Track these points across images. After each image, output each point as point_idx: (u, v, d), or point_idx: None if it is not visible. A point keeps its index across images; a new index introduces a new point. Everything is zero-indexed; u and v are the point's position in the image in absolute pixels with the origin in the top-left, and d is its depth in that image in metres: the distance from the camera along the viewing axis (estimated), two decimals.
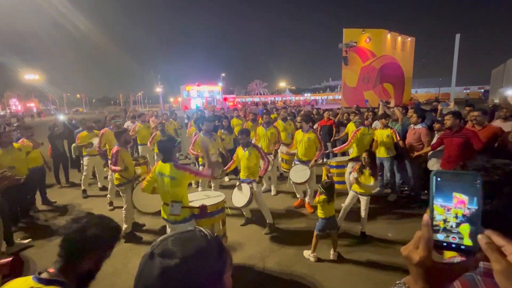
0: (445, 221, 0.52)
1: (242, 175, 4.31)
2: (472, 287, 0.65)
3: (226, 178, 6.40)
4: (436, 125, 4.77)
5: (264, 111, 8.93)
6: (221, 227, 3.47)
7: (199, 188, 5.10)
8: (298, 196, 5.15)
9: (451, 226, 0.51)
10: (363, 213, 3.84)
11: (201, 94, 52.16)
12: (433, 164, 4.57)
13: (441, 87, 57.18)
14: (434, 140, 4.55)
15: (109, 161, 5.16)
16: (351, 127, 6.22)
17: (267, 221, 4.22)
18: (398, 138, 4.95)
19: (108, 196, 5.35)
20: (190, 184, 6.31)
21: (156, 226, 4.50)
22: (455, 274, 0.52)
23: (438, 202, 0.53)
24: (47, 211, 5.30)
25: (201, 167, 4.95)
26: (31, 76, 52.89)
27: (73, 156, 7.39)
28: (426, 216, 0.53)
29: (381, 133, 5.14)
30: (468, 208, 0.50)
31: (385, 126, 5.17)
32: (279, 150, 6.15)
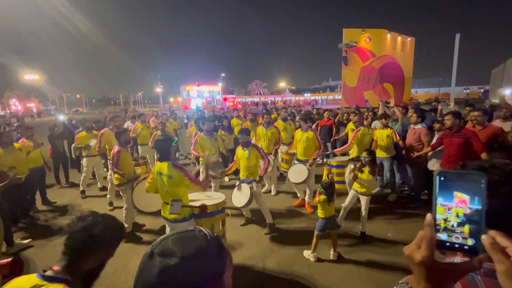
0: (445, 220, 0.52)
1: (241, 175, 4.31)
2: (472, 287, 0.65)
3: (226, 178, 6.40)
4: (436, 125, 4.77)
5: (264, 111, 8.94)
6: (220, 228, 3.47)
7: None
8: (298, 195, 5.15)
9: (452, 226, 0.51)
10: (363, 213, 3.85)
11: (201, 94, 52.17)
12: (433, 164, 4.57)
13: (441, 87, 57.21)
14: (434, 140, 4.55)
15: (109, 161, 5.17)
16: (351, 127, 6.23)
17: (267, 221, 4.22)
18: (398, 138, 4.95)
19: (108, 196, 5.35)
20: None
21: (156, 226, 4.50)
22: (458, 274, 0.51)
23: (439, 202, 0.53)
24: (47, 211, 5.30)
25: (201, 167, 4.95)
26: (31, 76, 52.87)
27: (73, 156, 7.39)
28: (429, 216, 0.53)
29: (381, 133, 5.14)
30: (470, 208, 0.50)
31: (385, 126, 5.17)
32: (279, 150, 6.15)
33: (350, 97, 30.31)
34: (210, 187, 5.09)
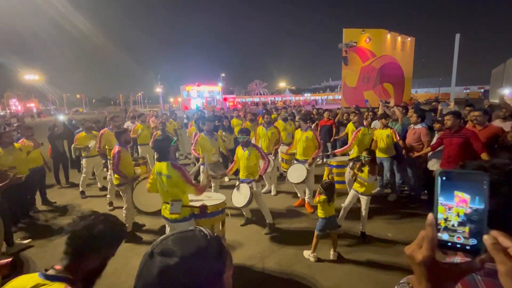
0: (446, 220, 0.52)
1: (241, 175, 4.31)
2: (472, 287, 0.65)
3: (226, 178, 6.39)
4: (436, 125, 4.77)
5: (264, 111, 8.94)
6: (220, 228, 3.47)
7: None
8: (299, 195, 5.15)
9: (453, 225, 0.51)
10: (363, 213, 3.84)
11: (201, 94, 52.17)
12: (433, 164, 4.57)
13: (441, 87, 57.21)
14: (434, 140, 4.55)
15: (109, 161, 5.17)
16: (351, 127, 6.23)
17: (267, 221, 4.22)
18: (398, 138, 4.95)
19: (107, 196, 5.35)
20: None
21: (156, 226, 4.50)
22: (459, 274, 0.51)
23: (440, 201, 0.53)
24: (47, 211, 5.30)
25: (202, 167, 4.95)
26: (31, 77, 52.86)
27: (73, 157, 7.39)
28: (430, 216, 0.52)
29: (381, 133, 5.14)
30: (470, 207, 0.50)
31: (385, 126, 5.17)
32: (279, 150, 6.15)
33: (350, 97, 30.29)
34: (210, 187, 5.09)
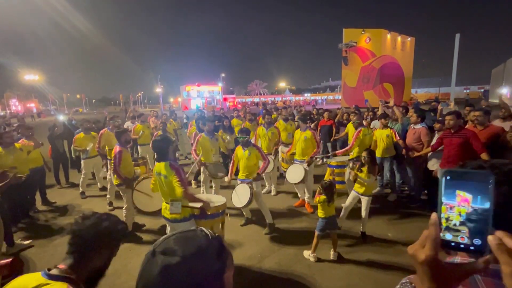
0: (447, 219, 0.51)
1: (241, 175, 4.31)
2: (472, 286, 0.65)
3: (226, 179, 6.38)
4: (437, 125, 4.77)
5: (264, 111, 8.93)
6: (220, 230, 3.47)
7: (201, 189, 5.11)
8: (299, 195, 5.15)
9: (454, 225, 0.51)
10: (363, 214, 3.84)
11: (201, 94, 52.17)
12: (433, 164, 4.57)
13: (441, 87, 57.24)
14: (434, 141, 4.55)
15: (109, 162, 5.17)
16: (350, 128, 6.23)
17: (267, 221, 4.22)
18: (398, 138, 4.95)
19: (107, 196, 5.36)
20: (189, 184, 6.32)
21: (156, 226, 4.49)
22: (462, 275, 0.51)
23: (443, 201, 0.52)
24: (47, 211, 5.30)
25: (202, 168, 4.96)
26: (31, 77, 52.87)
27: (73, 157, 7.40)
28: (434, 215, 0.52)
29: (381, 133, 5.14)
30: (472, 207, 0.49)
31: (385, 126, 5.17)
32: (279, 150, 6.16)
33: (350, 97, 30.28)
34: (211, 187, 5.10)
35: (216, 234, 0.69)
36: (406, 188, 5.52)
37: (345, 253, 3.53)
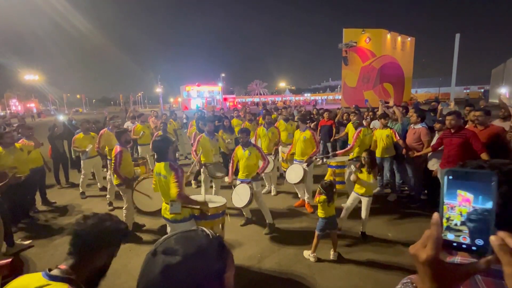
0: (448, 219, 0.51)
1: (241, 175, 4.31)
2: (472, 286, 0.65)
3: (227, 179, 6.39)
4: (437, 125, 4.77)
5: (264, 111, 8.93)
6: (220, 230, 3.47)
7: (202, 189, 5.10)
8: (299, 196, 5.15)
9: (455, 224, 0.50)
10: (363, 214, 3.84)
11: (201, 95, 52.17)
12: (433, 164, 4.57)
13: (441, 87, 57.21)
14: (434, 141, 4.55)
15: (110, 162, 5.17)
16: (350, 128, 6.24)
17: (267, 221, 4.22)
18: (398, 138, 4.95)
19: (107, 196, 5.36)
20: (190, 184, 6.32)
21: (156, 226, 4.49)
22: (464, 275, 0.50)
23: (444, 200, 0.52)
24: (47, 211, 5.30)
25: (202, 168, 4.97)
26: (31, 77, 52.89)
27: (73, 157, 7.40)
28: (436, 215, 0.52)
29: (381, 133, 5.14)
30: (473, 207, 0.49)
31: (385, 126, 5.17)
32: (280, 150, 6.16)
33: (350, 97, 30.28)
34: (211, 187, 5.10)
35: (217, 234, 0.69)
36: (406, 188, 5.52)
37: (345, 253, 3.53)
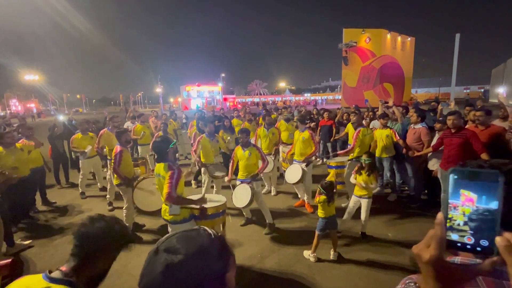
0: (450, 219, 0.51)
1: (240, 175, 4.31)
2: (473, 285, 0.65)
3: (226, 178, 6.38)
4: (437, 125, 4.76)
5: (264, 111, 8.92)
6: (221, 230, 3.47)
7: (203, 190, 5.11)
8: (299, 196, 5.15)
9: (458, 224, 0.50)
10: (363, 216, 3.83)
11: (201, 95, 52.20)
12: (433, 164, 4.57)
13: (441, 87, 57.24)
14: (435, 141, 4.55)
15: (110, 162, 5.17)
16: (350, 128, 6.23)
17: (267, 221, 4.22)
18: (398, 138, 4.95)
19: (107, 196, 5.35)
20: (189, 184, 6.32)
21: (156, 226, 4.49)
22: (468, 276, 0.50)
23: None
24: (47, 211, 5.30)
25: (203, 169, 4.96)
26: (31, 77, 52.91)
27: (73, 157, 7.40)
28: (440, 215, 0.51)
29: (381, 133, 5.14)
30: (477, 207, 0.49)
31: (384, 126, 5.17)
32: (280, 150, 6.16)
33: (350, 97, 30.29)
34: (212, 187, 5.10)
35: (219, 234, 0.69)
36: (406, 188, 5.51)
37: (345, 253, 3.53)
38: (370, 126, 6.09)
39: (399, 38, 32.50)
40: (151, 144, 6.73)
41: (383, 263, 3.29)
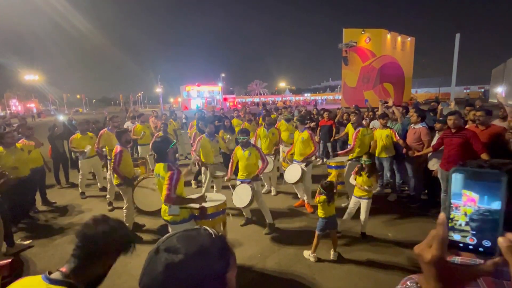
0: (452, 219, 0.50)
1: (240, 175, 4.31)
2: (473, 284, 0.65)
3: (226, 178, 6.38)
4: (437, 125, 4.76)
5: (264, 111, 8.92)
6: (222, 229, 3.47)
7: (203, 190, 5.11)
8: (299, 196, 5.15)
9: (460, 225, 0.50)
10: (363, 216, 3.83)
11: (201, 95, 52.20)
12: (433, 164, 4.57)
13: (441, 87, 57.24)
14: (435, 141, 4.55)
15: (109, 162, 5.16)
16: (350, 128, 6.23)
17: (267, 221, 4.22)
18: (397, 138, 4.95)
19: (107, 196, 5.35)
20: (189, 184, 6.32)
21: (156, 226, 4.49)
22: (470, 276, 0.50)
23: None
24: (47, 211, 5.30)
25: (203, 168, 4.95)
26: (31, 77, 52.90)
27: (73, 157, 7.40)
28: (442, 215, 0.51)
29: (380, 133, 5.14)
30: (479, 207, 0.48)
31: (384, 126, 5.17)
32: (281, 150, 6.16)
33: (350, 97, 30.29)
34: (212, 187, 5.10)
35: (220, 234, 0.69)
36: (406, 188, 5.51)
37: (345, 253, 3.53)
38: (370, 126, 6.08)
39: (399, 38, 32.50)
40: (151, 144, 6.75)
41: (383, 263, 3.29)
